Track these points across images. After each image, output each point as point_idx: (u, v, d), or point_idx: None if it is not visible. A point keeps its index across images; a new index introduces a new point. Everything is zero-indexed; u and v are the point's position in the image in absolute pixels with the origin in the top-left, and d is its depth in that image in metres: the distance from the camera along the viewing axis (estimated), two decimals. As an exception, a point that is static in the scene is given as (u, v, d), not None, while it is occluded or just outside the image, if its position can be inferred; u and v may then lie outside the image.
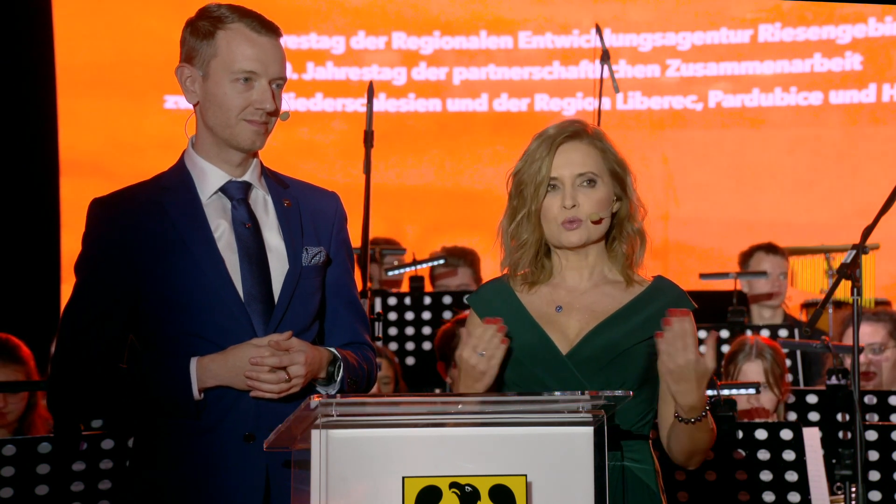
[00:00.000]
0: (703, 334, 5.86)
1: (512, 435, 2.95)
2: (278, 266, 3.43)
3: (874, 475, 4.80)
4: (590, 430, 2.96)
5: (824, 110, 9.42)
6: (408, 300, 6.94)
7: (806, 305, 8.12)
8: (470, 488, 2.86)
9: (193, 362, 3.31)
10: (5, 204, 8.86)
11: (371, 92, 5.75)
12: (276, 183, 3.53)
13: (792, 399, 5.52)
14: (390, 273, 7.46)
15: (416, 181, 9.46)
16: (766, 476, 4.69)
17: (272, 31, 3.43)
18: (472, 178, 9.37)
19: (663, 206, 9.16)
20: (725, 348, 6.42)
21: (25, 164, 9.03)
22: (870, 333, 6.37)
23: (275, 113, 3.43)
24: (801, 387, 6.06)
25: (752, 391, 5.17)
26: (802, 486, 4.67)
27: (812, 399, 5.44)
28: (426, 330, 6.89)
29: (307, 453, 2.88)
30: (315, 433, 2.87)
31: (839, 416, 5.00)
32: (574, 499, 2.94)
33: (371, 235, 5.86)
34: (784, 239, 7.99)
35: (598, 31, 7.35)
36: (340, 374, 3.41)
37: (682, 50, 9.49)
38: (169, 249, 3.37)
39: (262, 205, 3.49)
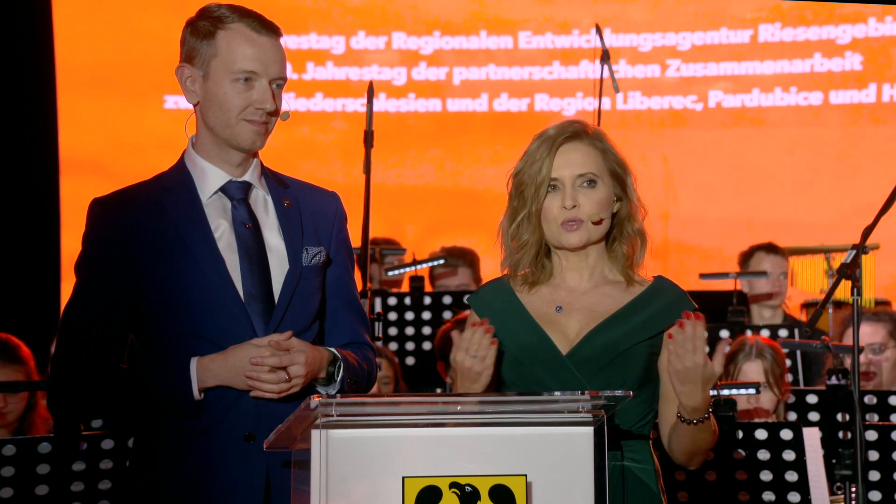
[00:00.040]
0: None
1: (512, 435, 2.95)
2: (278, 266, 3.43)
3: (874, 475, 4.80)
4: (590, 430, 2.96)
5: (824, 110, 9.42)
6: (408, 300, 6.94)
7: (806, 305, 8.12)
8: (470, 488, 2.86)
9: (193, 362, 3.31)
10: (5, 204, 8.86)
11: (371, 92, 5.76)
12: (277, 183, 3.53)
13: (792, 399, 5.52)
14: (390, 273, 7.46)
15: (416, 181, 9.46)
16: (766, 476, 4.69)
17: (272, 31, 3.43)
18: (472, 178, 9.37)
19: (663, 206, 9.16)
20: (725, 349, 6.42)
21: (25, 164, 9.03)
22: (870, 333, 6.37)
23: (275, 113, 3.43)
24: (801, 387, 6.05)
25: (752, 391, 5.17)
26: (802, 486, 4.67)
27: (812, 399, 5.44)
28: (426, 330, 6.89)
29: (307, 453, 2.88)
30: (315, 433, 2.87)
31: (839, 416, 5.01)
32: (574, 499, 2.94)
33: (371, 235, 5.86)
34: (784, 239, 7.99)
35: (598, 31, 7.35)
36: (340, 375, 3.41)
37: (682, 50, 9.49)
38: (169, 249, 3.37)
39: (263, 205, 3.49)
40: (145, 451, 3.40)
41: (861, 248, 4.45)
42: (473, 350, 3.26)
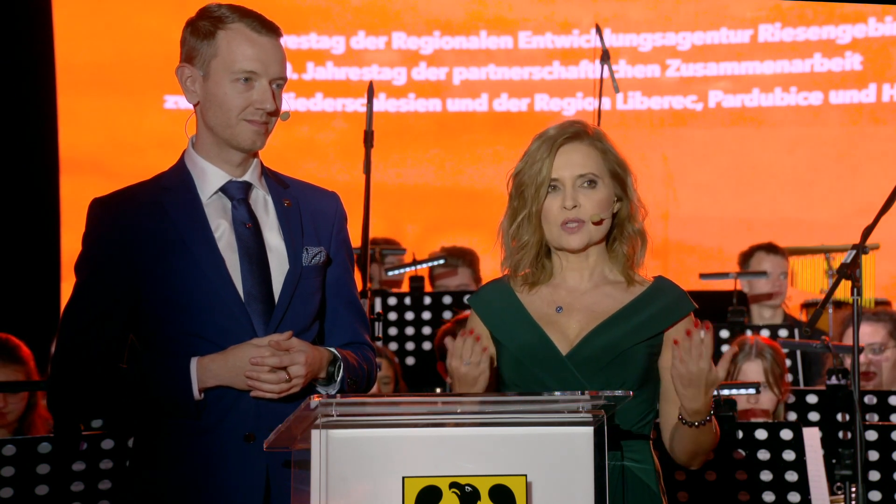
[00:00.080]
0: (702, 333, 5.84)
1: (512, 435, 2.95)
2: (278, 266, 3.43)
3: (874, 475, 4.80)
4: (590, 430, 2.96)
5: (824, 110, 9.42)
6: (408, 300, 6.94)
7: (806, 305, 8.12)
8: (470, 488, 2.86)
9: (194, 362, 3.31)
10: (5, 203, 8.86)
11: (371, 92, 5.75)
12: (277, 183, 3.53)
13: (792, 399, 5.51)
14: (390, 273, 7.46)
15: (416, 181, 9.46)
16: (766, 476, 4.69)
17: (272, 31, 3.43)
18: (472, 178, 9.37)
19: (663, 206, 9.16)
20: (725, 348, 6.42)
21: (25, 164, 9.03)
22: (870, 333, 6.37)
23: (275, 113, 3.43)
24: (801, 387, 6.05)
25: (752, 391, 5.16)
26: (802, 486, 4.67)
27: (812, 399, 5.43)
28: (426, 330, 6.89)
29: (307, 453, 2.88)
30: (315, 433, 2.87)
31: (839, 416, 5.00)
32: (574, 499, 2.94)
33: (371, 235, 5.86)
34: (784, 239, 7.99)
35: (598, 31, 7.35)
36: (340, 375, 3.41)
37: (682, 50, 9.49)
38: (169, 249, 3.37)
39: (263, 205, 3.49)
40: (145, 451, 3.40)
41: (861, 248, 4.44)
42: (467, 357, 3.27)
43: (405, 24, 9.57)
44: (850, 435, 4.61)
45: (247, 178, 3.48)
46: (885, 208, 4.47)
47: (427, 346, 6.85)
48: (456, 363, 3.28)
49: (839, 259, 7.16)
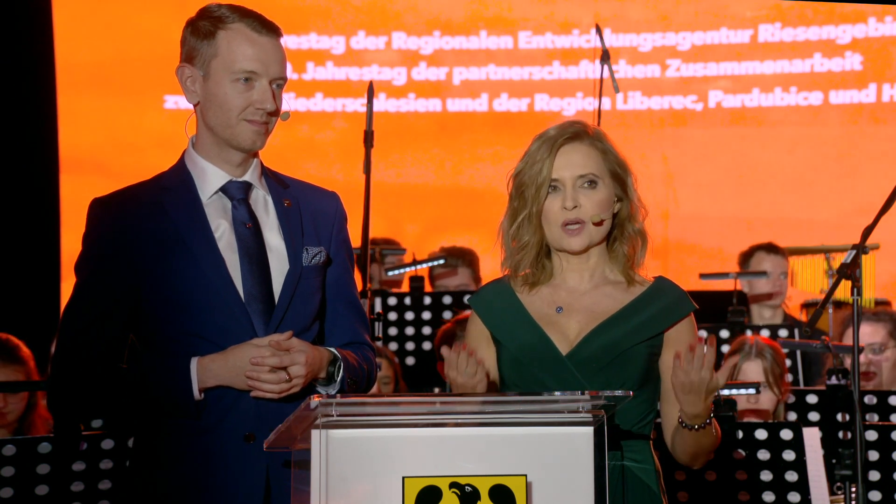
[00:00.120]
0: (702, 333, 5.85)
1: (512, 435, 2.95)
2: (278, 266, 3.43)
3: (874, 475, 4.80)
4: (590, 430, 2.96)
5: (824, 110, 9.42)
6: (408, 300, 6.94)
7: (806, 305, 8.12)
8: (470, 488, 2.86)
9: (194, 362, 3.31)
10: (5, 203, 8.86)
11: (371, 92, 5.75)
12: (277, 183, 3.53)
13: (792, 399, 5.51)
14: (390, 273, 7.46)
15: (416, 181, 9.46)
16: (766, 476, 4.69)
17: (273, 31, 3.43)
18: (472, 178, 9.37)
19: (663, 206, 9.16)
20: (725, 348, 6.42)
21: (25, 163, 9.03)
22: (870, 333, 6.37)
23: (275, 113, 3.43)
24: (801, 387, 6.05)
25: (752, 391, 5.16)
26: (802, 486, 4.67)
27: (812, 399, 5.43)
28: (426, 330, 6.89)
29: (307, 453, 2.88)
30: (315, 433, 2.87)
31: (839, 416, 5.00)
32: (574, 499, 2.94)
33: (371, 235, 5.86)
34: (784, 239, 7.99)
35: (598, 30, 7.35)
36: (341, 375, 3.41)
37: (682, 50, 9.48)
38: (169, 249, 3.37)
39: (263, 205, 3.49)
40: (145, 451, 3.40)
41: (861, 248, 4.44)
42: (462, 368, 3.27)
43: (405, 24, 9.57)
44: (850, 435, 4.61)
45: (247, 178, 3.48)
46: (885, 208, 4.47)
47: (427, 346, 6.85)
48: (453, 374, 3.28)
49: (839, 259, 7.16)
